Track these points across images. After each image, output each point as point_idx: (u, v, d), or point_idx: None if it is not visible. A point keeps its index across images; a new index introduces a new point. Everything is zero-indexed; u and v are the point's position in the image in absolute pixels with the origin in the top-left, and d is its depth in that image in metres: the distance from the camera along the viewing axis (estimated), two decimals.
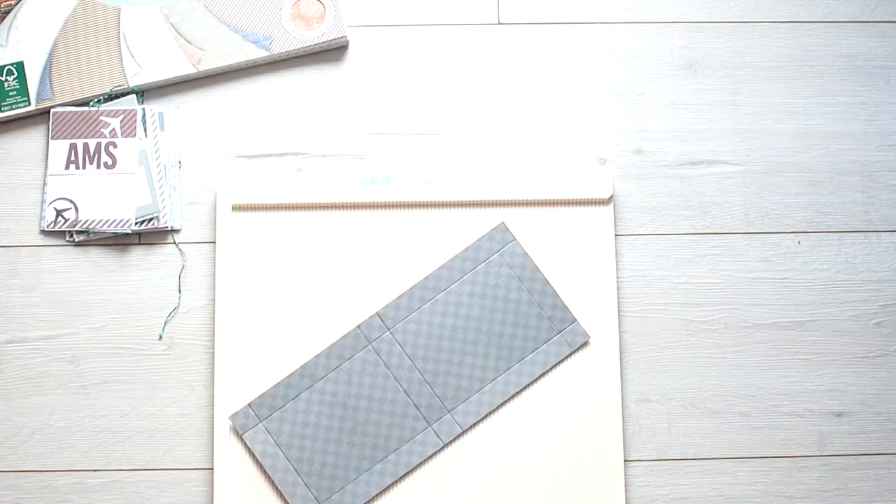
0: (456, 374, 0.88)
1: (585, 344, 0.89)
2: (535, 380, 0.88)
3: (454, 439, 0.88)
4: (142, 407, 0.92)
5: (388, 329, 0.89)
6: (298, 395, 0.88)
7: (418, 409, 0.88)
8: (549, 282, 0.89)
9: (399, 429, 0.88)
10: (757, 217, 0.95)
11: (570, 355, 0.89)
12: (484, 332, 0.89)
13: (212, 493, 0.90)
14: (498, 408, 0.88)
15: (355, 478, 0.87)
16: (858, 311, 0.94)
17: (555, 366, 0.88)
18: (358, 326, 0.89)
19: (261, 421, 0.88)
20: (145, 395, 0.92)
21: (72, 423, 0.91)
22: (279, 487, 0.87)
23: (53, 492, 0.90)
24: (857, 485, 0.92)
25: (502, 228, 0.89)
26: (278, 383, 0.88)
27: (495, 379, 0.88)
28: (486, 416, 0.88)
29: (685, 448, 0.92)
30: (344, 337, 0.89)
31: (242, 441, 0.88)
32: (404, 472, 0.87)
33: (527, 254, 0.89)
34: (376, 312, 0.89)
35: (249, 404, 0.88)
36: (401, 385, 0.88)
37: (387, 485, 0.87)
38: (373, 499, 0.88)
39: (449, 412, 0.88)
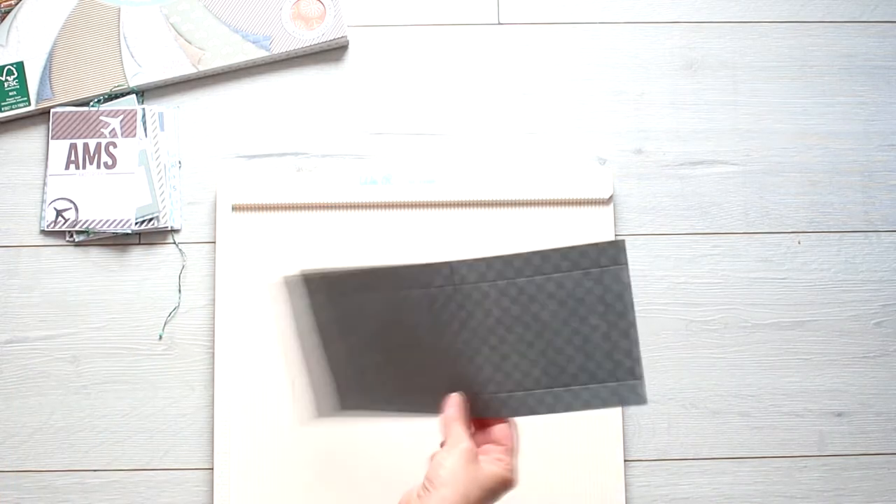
0: (496, 364, 0.78)
1: (638, 405, 0.77)
2: (569, 412, 0.77)
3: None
4: (142, 407, 0.92)
5: (454, 284, 0.78)
6: (351, 294, 0.80)
7: (445, 374, 0.79)
8: (636, 325, 0.76)
9: (423, 378, 0.79)
10: (757, 217, 0.95)
11: (616, 407, 0.78)
12: (543, 340, 0.77)
13: (212, 493, 0.90)
14: (521, 416, 0.78)
15: (378, 389, 0.80)
16: (858, 311, 0.94)
17: (595, 408, 0.78)
18: (426, 265, 0.78)
19: (309, 296, 0.81)
20: (145, 395, 0.92)
21: (72, 423, 0.91)
22: (302, 359, 0.81)
23: (53, 492, 0.90)
24: (857, 485, 0.92)
25: (620, 247, 0.76)
26: (338, 272, 0.80)
27: (530, 391, 0.78)
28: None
29: (685, 448, 0.92)
30: (408, 266, 0.79)
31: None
32: (415, 413, 0.80)
33: (629, 285, 0.76)
34: (449, 262, 0.78)
35: (304, 274, 0.81)
36: (441, 342, 0.79)
37: (403, 413, 0.80)
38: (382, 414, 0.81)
39: (475, 394, 0.78)
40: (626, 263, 0.76)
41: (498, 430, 0.76)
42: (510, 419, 0.77)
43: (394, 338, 0.80)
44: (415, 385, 0.80)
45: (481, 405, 0.78)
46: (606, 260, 0.76)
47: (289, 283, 0.81)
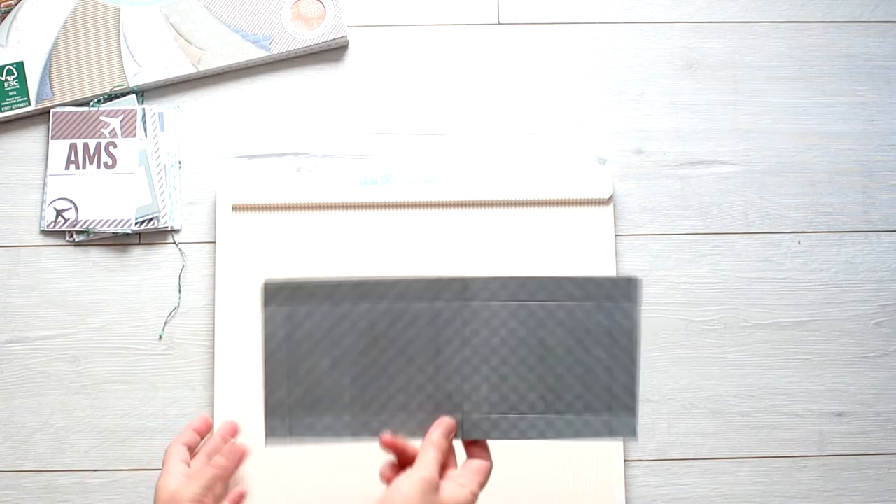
0: (493, 384, 0.78)
1: (631, 438, 0.79)
2: (559, 440, 0.78)
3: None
4: (142, 407, 0.92)
5: (464, 300, 0.79)
6: (340, 303, 0.78)
7: (436, 391, 0.78)
8: (638, 363, 0.78)
9: (406, 396, 0.78)
10: (757, 217, 0.95)
11: (606, 439, 0.79)
12: (545, 366, 0.78)
13: None
14: (506, 440, 0.78)
15: (339, 413, 0.78)
16: (858, 311, 0.94)
17: (585, 438, 0.79)
18: (437, 279, 0.78)
19: (290, 303, 0.78)
20: (145, 395, 0.92)
21: (72, 423, 0.91)
22: (264, 379, 0.78)
23: (53, 492, 0.90)
24: (857, 485, 0.92)
25: (634, 284, 0.78)
26: (328, 280, 0.78)
27: (524, 415, 0.79)
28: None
29: (685, 448, 0.92)
30: (416, 279, 0.79)
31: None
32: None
33: (637, 323, 0.78)
34: (462, 277, 0.78)
35: (288, 282, 0.78)
36: (437, 359, 0.78)
37: (360, 439, 0.78)
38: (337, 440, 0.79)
39: (462, 413, 0.78)
40: (638, 301, 0.77)
41: (472, 464, 0.76)
42: (490, 460, 0.77)
43: (382, 352, 0.79)
44: (395, 404, 0.79)
45: (470, 425, 0.78)
46: (620, 295, 0.78)
47: (270, 288, 0.78)
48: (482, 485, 0.76)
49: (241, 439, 0.84)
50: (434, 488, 0.73)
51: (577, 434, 0.78)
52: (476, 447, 0.77)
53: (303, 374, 0.78)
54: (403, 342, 0.79)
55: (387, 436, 0.76)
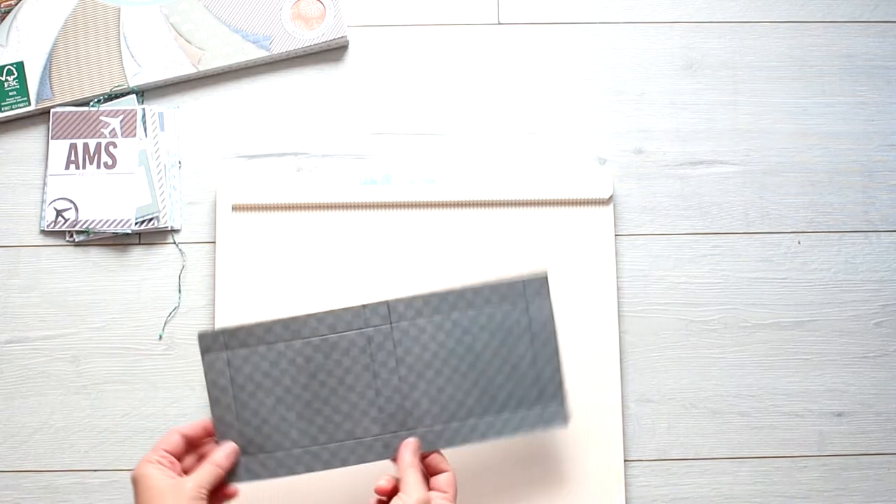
0: (432, 397, 0.82)
1: (561, 427, 0.83)
2: (499, 438, 0.82)
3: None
4: (142, 407, 0.92)
5: (391, 322, 0.83)
6: (274, 343, 0.82)
7: (380, 413, 0.82)
8: (560, 354, 0.83)
9: (352, 423, 0.82)
10: (757, 217, 0.95)
11: (542, 431, 0.83)
12: (476, 371, 0.82)
13: None
14: (453, 447, 0.82)
15: (289, 448, 0.82)
16: (858, 311, 0.94)
17: (524, 435, 0.83)
18: (363, 306, 0.83)
19: (226, 350, 0.82)
20: (145, 395, 0.92)
21: (72, 423, 0.91)
22: (213, 423, 0.82)
23: (53, 492, 0.90)
24: (857, 485, 0.92)
25: (543, 280, 0.83)
26: (260, 323, 0.82)
27: (464, 421, 0.82)
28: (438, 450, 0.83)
29: (685, 448, 0.92)
30: (344, 310, 0.83)
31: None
32: (338, 466, 0.82)
33: (553, 317, 0.83)
34: (386, 301, 0.83)
35: (223, 330, 0.82)
36: (375, 382, 0.82)
37: (316, 471, 0.82)
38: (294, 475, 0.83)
39: (407, 430, 0.82)
40: (549, 295, 0.83)
41: (442, 478, 0.80)
42: (450, 468, 0.80)
43: (322, 385, 0.83)
44: (343, 432, 0.82)
45: (417, 439, 0.82)
46: (532, 292, 0.83)
47: (204, 339, 0.82)
48: (455, 495, 0.80)
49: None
50: None
51: (516, 429, 0.82)
52: (434, 460, 0.81)
53: (249, 416, 0.82)
54: (341, 372, 0.83)
55: (382, 485, 0.80)
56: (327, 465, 0.82)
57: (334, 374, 0.83)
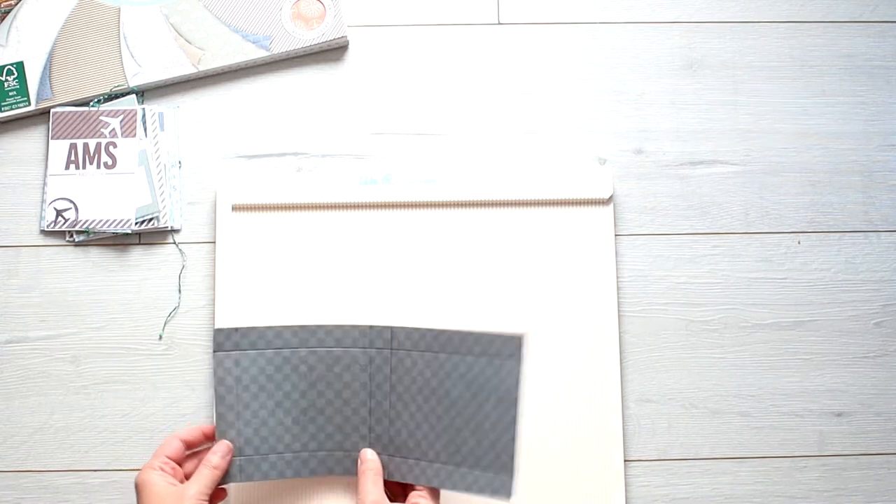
0: (410, 431, 0.83)
1: (503, 500, 0.80)
2: (454, 490, 0.82)
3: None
4: (142, 407, 0.92)
5: (392, 349, 0.85)
6: (282, 349, 0.85)
7: (369, 433, 0.85)
8: (518, 424, 0.79)
9: (343, 436, 0.85)
10: (757, 217, 0.95)
11: (486, 497, 0.81)
12: (448, 417, 0.82)
13: None
14: (417, 483, 0.83)
15: (281, 452, 0.85)
16: (858, 311, 0.94)
17: (473, 494, 0.81)
18: (370, 327, 0.85)
19: (238, 350, 0.85)
20: (145, 395, 0.92)
21: (72, 423, 0.91)
22: (216, 420, 0.84)
23: (53, 492, 0.90)
24: (857, 485, 0.92)
25: (518, 341, 0.79)
26: (272, 327, 0.85)
27: (431, 463, 0.82)
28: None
29: (685, 448, 0.92)
30: (353, 327, 0.86)
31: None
32: (324, 475, 0.86)
33: (519, 381, 0.79)
34: (391, 327, 0.85)
35: (238, 329, 0.85)
36: (370, 401, 0.85)
37: (303, 477, 0.85)
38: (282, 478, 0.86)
39: (388, 456, 0.84)
40: (520, 358, 0.79)
41: (419, 500, 0.81)
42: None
43: (320, 395, 0.85)
44: (332, 443, 0.85)
45: (393, 467, 0.84)
46: (506, 352, 0.80)
47: (218, 336, 0.85)
48: (436, 492, 0.82)
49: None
50: None
51: (467, 488, 0.81)
52: None
53: (250, 416, 0.85)
54: (340, 385, 0.85)
55: None
56: (314, 472, 0.85)
57: (333, 387, 0.85)
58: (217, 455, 0.82)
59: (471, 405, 0.81)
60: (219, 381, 0.85)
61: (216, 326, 0.86)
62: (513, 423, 0.79)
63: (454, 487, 0.81)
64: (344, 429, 0.85)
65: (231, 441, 0.84)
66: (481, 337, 0.81)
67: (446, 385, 0.82)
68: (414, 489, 0.82)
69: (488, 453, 0.80)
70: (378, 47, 0.98)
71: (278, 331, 0.85)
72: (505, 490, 0.79)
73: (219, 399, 0.84)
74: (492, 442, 0.80)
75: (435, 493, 0.82)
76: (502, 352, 0.80)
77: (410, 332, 0.84)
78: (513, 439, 0.79)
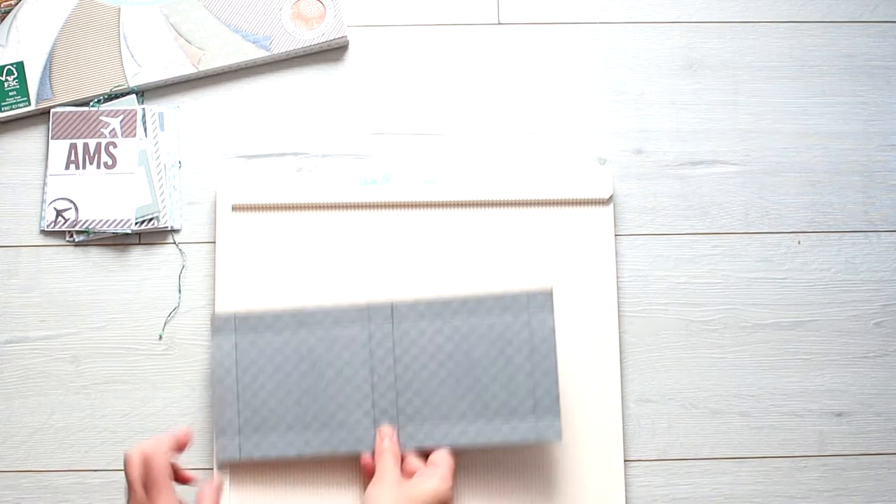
0: (425, 397, 0.86)
1: (553, 441, 0.86)
2: (489, 445, 0.85)
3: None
4: (142, 407, 0.92)
5: (392, 322, 0.87)
6: (281, 331, 0.87)
7: (373, 408, 0.86)
8: (558, 369, 0.85)
9: (345, 413, 0.86)
10: (757, 217, 0.95)
11: (532, 443, 0.86)
12: (471, 377, 0.85)
13: None
14: (441, 445, 0.85)
15: (284, 432, 0.86)
16: (858, 311, 0.94)
17: (513, 445, 0.85)
18: (368, 305, 0.87)
19: (236, 333, 0.87)
20: (145, 395, 0.92)
21: (72, 423, 0.91)
22: (212, 401, 0.87)
23: (53, 492, 0.90)
24: (857, 485, 0.92)
25: (547, 295, 0.86)
26: (272, 311, 0.88)
27: (456, 423, 0.85)
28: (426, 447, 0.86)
29: (685, 448, 0.92)
30: (350, 306, 0.87)
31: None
32: (327, 453, 0.86)
33: (553, 331, 0.85)
34: (391, 302, 0.87)
35: (235, 314, 0.88)
36: (372, 377, 0.86)
37: (306, 455, 0.86)
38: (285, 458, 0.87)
39: (398, 426, 0.86)
40: (552, 310, 0.85)
41: (436, 454, 0.84)
42: (449, 454, 0.84)
43: (321, 375, 0.87)
44: (336, 422, 0.86)
45: (406, 436, 0.85)
46: (535, 306, 0.86)
47: (217, 320, 0.88)
48: (450, 472, 0.83)
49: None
50: (397, 483, 0.81)
51: (506, 438, 0.85)
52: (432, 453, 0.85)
53: (250, 398, 0.87)
54: (340, 364, 0.87)
55: (366, 457, 0.85)
56: (317, 451, 0.86)
57: (334, 366, 0.87)
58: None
59: (497, 361, 0.85)
60: (217, 364, 0.87)
61: (213, 313, 0.89)
62: (553, 368, 0.85)
63: (488, 440, 0.85)
64: (346, 407, 0.86)
65: (228, 422, 0.86)
66: (502, 297, 0.86)
67: (464, 347, 0.86)
68: (428, 463, 0.84)
69: (526, 401, 0.84)
70: (378, 47, 0.98)
71: (277, 314, 0.87)
72: (553, 431, 0.84)
73: (217, 381, 0.86)
74: (529, 390, 0.85)
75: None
76: (530, 307, 0.85)
77: (414, 305, 0.87)
78: (555, 382, 0.85)
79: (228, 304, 0.91)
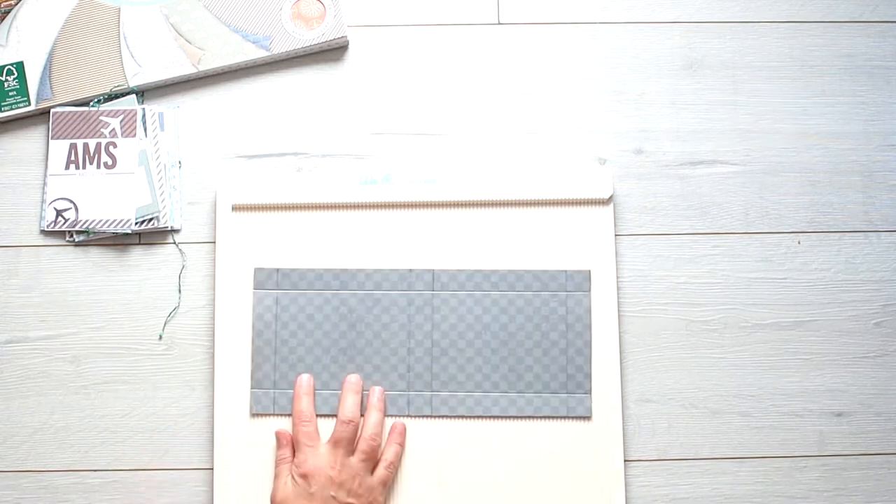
0: (460, 365, 0.88)
1: (584, 418, 0.89)
2: (520, 418, 0.88)
3: (420, 417, 0.89)
4: (142, 407, 0.92)
5: (433, 290, 0.89)
6: (323, 291, 0.89)
7: (408, 372, 0.88)
8: (592, 346, 0.88)
9: (380, 375, 0.89)
10: (757, 217, 0.95)
11: (563, 418, 0.89)
12: (507, 349, 0.89)
13: (212, 493, 0.90)
14: (470, 417, 0.88)
15: (319, 389, 0.89)
16: (858, 311, 0.94)
17: (543, 418, 0.88)
18: (410, 270, 0.90)
19: (278, 289, 0.89)
20: (145, 395, 0.92)
21: (72, 423, 0.91)
22: (251, 354, 0.89)
23: (53, 492, 0.90)
24: (857, 485, 0.92)
25: (586, 276, 0.89)
26: (312, 269, 0.90)
27: (488, 393, 0.88)
28: (455, 417, 0.89)
29: (685, 448, 0.92)
30: (392, 271, 0.90)
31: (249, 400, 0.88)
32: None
33: (590, 310, 0.89)
34: (432, 269, 0.90)
35: (279, 269, 0.90)
36: (409, 342, 0.89)
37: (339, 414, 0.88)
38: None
39: (431, 392, 0.88)
40: (589, 291, 0.89)
41: (390, 450, 0.87)
42: (402, 444, 0.88)
43: (359, 335, 0.89)
44: (370, 383, 0.89)
45: (438, 402, 0.88)
46: (573, 285, 0.89)
47: (259, 274, 0.90)
48: (397, 469, 0.88)
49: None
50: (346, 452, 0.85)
51: (537, 411, 0.88)
52: (395, 434, 0.88)
53: (287, 352, 0.89)
54: (378, 326, 0.89)
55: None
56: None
57: (372, 328, 0.89)
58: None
59: (533, 336, 0.88)
60: (257, 318, 0.89)
61: (256, 266, 0.90)
62: (587, 346, 0.88)
63: (520, 411, 0.88)
64: (382, 369, 0.89)
65: (265, 375, 0.88)
66: (542, 273, 0.89)
67: (502, 320, 0.89)
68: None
69: (559, 376, 0.88)
70: (378, 47, 0.98)
71: (319, 272, 0.90)
72: (584, 408, 0.88)
73: (256, 333, 0.89)
74: (562, 366, 0.88)
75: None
76: (568, 285, 0.89)
77: (456, 274, 0.89)
78: (588, 360, 0.88)
79: (228, 305, 0.91)
